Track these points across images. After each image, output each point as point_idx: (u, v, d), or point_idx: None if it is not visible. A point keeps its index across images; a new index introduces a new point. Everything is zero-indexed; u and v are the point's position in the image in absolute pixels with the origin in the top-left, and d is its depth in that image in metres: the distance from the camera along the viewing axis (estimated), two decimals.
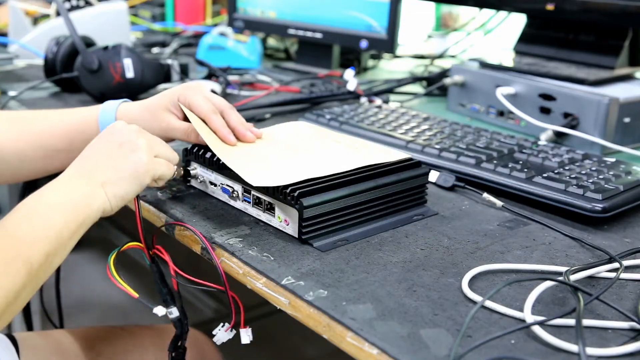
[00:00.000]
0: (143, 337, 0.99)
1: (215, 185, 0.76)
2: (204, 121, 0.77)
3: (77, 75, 1.14)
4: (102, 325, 1.04)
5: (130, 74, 1.12)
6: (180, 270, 0.68)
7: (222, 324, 0.68)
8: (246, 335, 0.67)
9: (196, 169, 0.78)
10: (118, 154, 0.66)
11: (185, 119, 0.79)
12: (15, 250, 0.56)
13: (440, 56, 1.68)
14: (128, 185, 0.65)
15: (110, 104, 0.82)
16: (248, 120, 1.04)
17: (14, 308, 0.55)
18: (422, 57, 1.76)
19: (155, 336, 0.99)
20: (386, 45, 1.37)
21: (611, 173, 0.79)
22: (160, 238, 0.72)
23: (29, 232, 0.58)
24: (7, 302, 0.53)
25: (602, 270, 0.62)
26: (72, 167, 0.67)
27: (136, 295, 0.66)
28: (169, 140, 0.80)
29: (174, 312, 0.70)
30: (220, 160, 0.73)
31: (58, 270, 1.13)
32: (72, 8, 1.69)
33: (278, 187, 0.66)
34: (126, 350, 0.95)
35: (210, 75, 1.29)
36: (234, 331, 0.68)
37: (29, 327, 1.29)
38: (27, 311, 1.28)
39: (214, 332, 0.68)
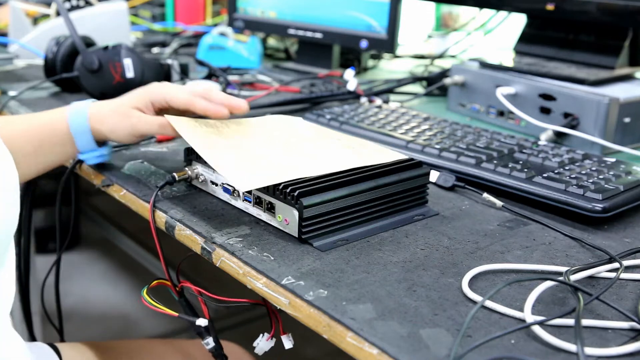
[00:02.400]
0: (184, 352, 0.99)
1: (216, 184, 0.76)
2: (191, 116, 0.77)
3: (77, 75, 1.14)
4: (141, 339, 1.04)
5: (130, 74, 1.12)
6: (208, 292, 0.69)
7: (262, 334, 0.70)
8: (288, 341, 0.70)
9: (197, 168, 0.78)
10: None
11: (159, 114, 0.78)
12: None
13: (440, 56, 1.68)
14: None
15: (79, 105, 0.80)
16: None
17: None
18: (422, 57, 1.76)
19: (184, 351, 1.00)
20: (386, 45, 1.37)
21: (611, 173, 0.79)
22: (161, 236, 0.72)
23: None
24: None
25: (602, 270, 0.62)
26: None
27: (176, 314, 0.68)
28: (142, 137, 0.79)
29: (210, 343, 0.72)
30: None
31: (57, 271, 1.13)
32: (72, 8, 1.68)
33: (278, 186, 0.66)
34: None
35: (210, 75, 1.29)
36: (274, 339, 0.70)
37: (29, 327, 1.29)
38: (27, 311, 1.28)
39: (254, 344, 0.71)
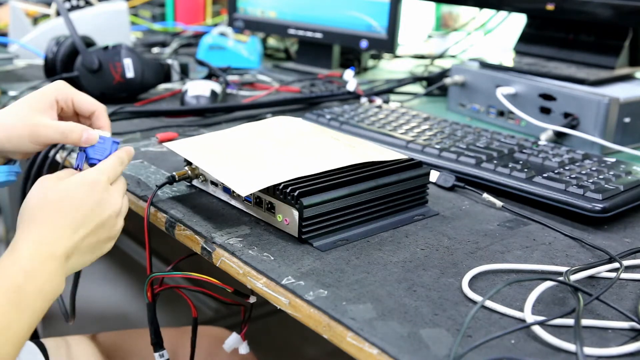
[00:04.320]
0: (171, 341, 0.99)
1: (217, 185, 0.76)
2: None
3: (77, 75, 1.14)
4: (133, 329, 1.04)
5: (130, 74, 1.12)
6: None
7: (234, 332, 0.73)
8: (244, 347, 0.78)
9: (197, 168, 0.78)
10: (96, 231, 0.63)
11: (61, 119, 0.71)
12: None
13: (441, 56, 1.68)
14: (88, 260, 0.63)
15: None
16: (248, 121, 1.04)
17: None
18: (422, 57, 1.76)
19: (185, 336, 1.00)
20: (386, 45, 1.37)
21: (611, 173, 0.79)
22: (161, 237, 0.72)
23: None
24: None
25: (602, 270, 0.62)
26: (31, 244, 0.58)
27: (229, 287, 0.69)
28: (45, 145, 0.69)
29: (165, 355, 0.76)
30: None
31: None
32: (72, 8, 1.68)
33: (278, 187, 0.66)
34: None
35: (210, 75, 1.29)
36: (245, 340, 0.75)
37: None
38: None
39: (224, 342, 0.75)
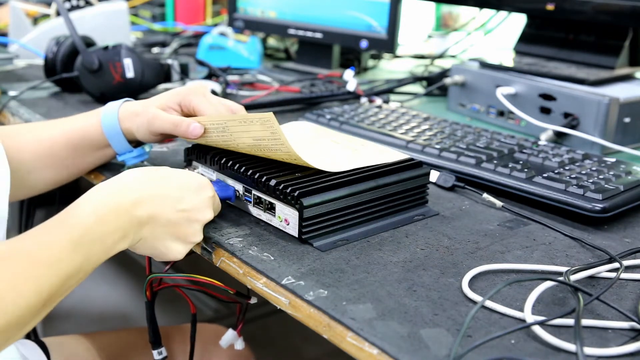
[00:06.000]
0: (168, 338, 0.99)
1: None
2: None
3: (77, 75, 1.14)
4: (132, 328, 1.04)
5: (130, 73, 1.12)
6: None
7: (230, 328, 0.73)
8: (240, 343, 0.78)
9: (198, 168, 0.78)
10: (179, 214, 0.61)
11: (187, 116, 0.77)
12: (28, 272, 0.50)
13: (441, 56, 1.68)
14: (165, 247, 0.61)
15: (112, 107, 0.80)
16: None
17: (19, 332, 0.51)
18: (422, 57, 1.76)
19: (183, 334, 1.00)
20: (386, 45, 1.37)
21: (611, 173, 0.79)
22: None
23: (46, 254, 0.52)
24: (15, 324, 0.49)
25: (602, 270, 0.62)
26: (115, 192, 0.59)
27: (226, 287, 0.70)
28: (161, 136, 0.78)
29: (163, 352, 0.77)
30: (221, 160, 0.73)
31: None
32: (72, 8, 1.69)
33: (278, 187, 0.66)
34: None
35: (210, 75, 1.29)
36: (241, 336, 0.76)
37: None
38: None
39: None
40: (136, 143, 0.82)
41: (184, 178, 0.64)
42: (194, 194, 0.63)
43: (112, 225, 0.56)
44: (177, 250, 0.63)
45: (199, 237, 0.64)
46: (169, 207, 0.61)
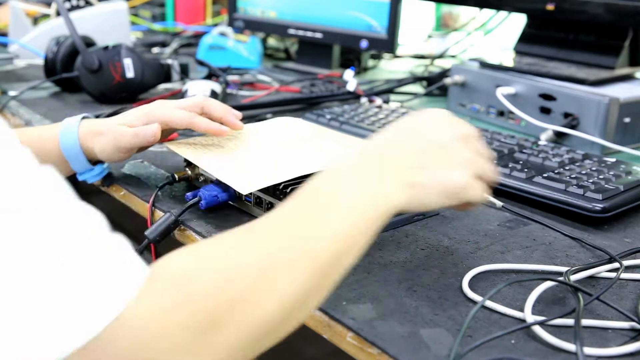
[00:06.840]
0: None
1: None
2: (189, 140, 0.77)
3: (77, 75, 1.14)
4: None
5: (130, 73, 1.12)
6: None
7: None
8: None
9: (197, 168, 0.78)
10: (434, 158, 0.55)
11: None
12: (299, 249, 0.46)
13: (441, 56, 1.68)
14: (434, 197, 0.54)
15: (70, 124, 0.75)
16: (248, 120, 1.04)
17: (300, 315, 0.46)
18: (422, 57, 1.76)
19: None
20: (386, 45, 1.37)
21: (611, 173, 0.79)
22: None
23: (314, 226, 0.47)
24: (291, 308, 0.44)
25: (602, 270, 0.62)
26: (367, 155, 0.54)
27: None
28: (128, 152, 0.74)
29: None
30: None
31: None
32: (72, 8, 1.69)
33: (278, 187, 0.66)
34: None
35: (210, 75, 1.29)
36: None
37: None
38: None
39: None
40: (95, 161, 0.78)
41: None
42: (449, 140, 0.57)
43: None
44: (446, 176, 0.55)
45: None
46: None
